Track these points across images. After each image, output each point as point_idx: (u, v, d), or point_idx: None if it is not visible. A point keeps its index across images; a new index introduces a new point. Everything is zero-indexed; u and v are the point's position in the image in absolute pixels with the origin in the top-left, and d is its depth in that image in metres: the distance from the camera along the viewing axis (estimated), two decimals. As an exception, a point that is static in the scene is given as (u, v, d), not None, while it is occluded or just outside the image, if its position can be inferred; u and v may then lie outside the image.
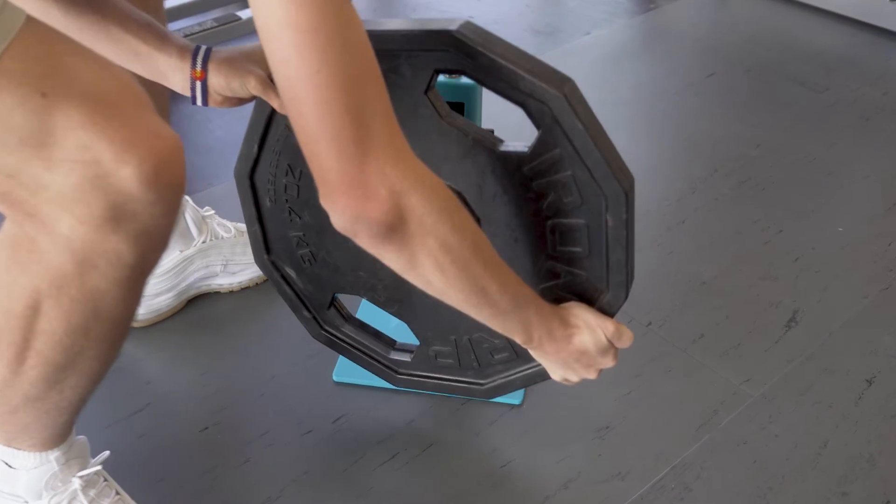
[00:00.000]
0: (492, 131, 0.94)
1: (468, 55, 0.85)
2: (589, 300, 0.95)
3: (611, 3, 2.25)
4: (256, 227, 1.08)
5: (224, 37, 2.05)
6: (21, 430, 0.90)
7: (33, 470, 0.93)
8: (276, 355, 1.28)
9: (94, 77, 0.72)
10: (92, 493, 0.96)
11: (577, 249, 0.93)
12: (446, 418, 1.17)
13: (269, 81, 0.93)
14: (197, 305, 1.36)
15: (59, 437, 0.93)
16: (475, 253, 0.81)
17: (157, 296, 1.30)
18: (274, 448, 1.14)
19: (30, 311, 0.77)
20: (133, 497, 1.03)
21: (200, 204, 1.40)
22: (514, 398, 1.19)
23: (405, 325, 1.11)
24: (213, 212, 1.37)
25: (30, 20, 0.70)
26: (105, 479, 0.99)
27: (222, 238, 1.35)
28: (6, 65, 0.67)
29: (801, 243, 1.46)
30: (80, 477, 0.95)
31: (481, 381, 1.10)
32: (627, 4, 2.25)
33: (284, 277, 1.11)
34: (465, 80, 1.07)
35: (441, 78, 1.09)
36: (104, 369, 0.87)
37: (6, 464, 0.93)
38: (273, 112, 0.98)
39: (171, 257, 1.30)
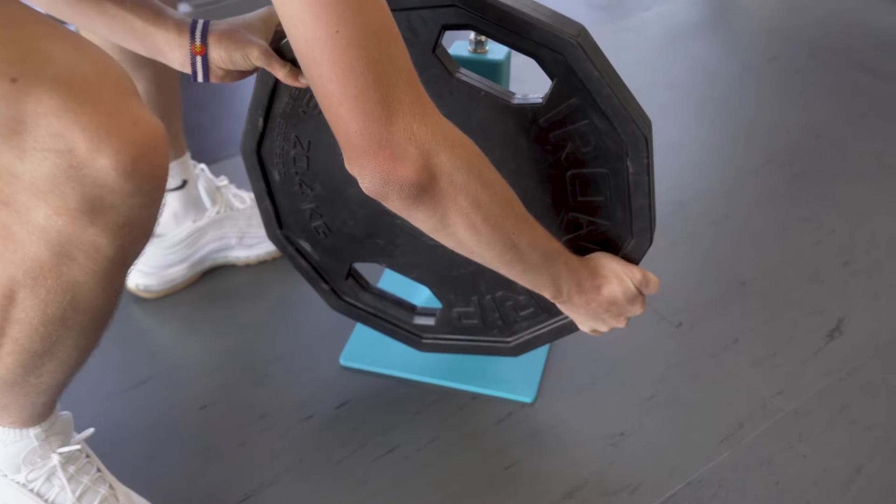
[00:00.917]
0: None
1: (476, 8, 0.81)
2: (613, 249, 0.94)
3: (674, -22, 2.14)
4: (267, 202, 1.04)
5: (242, 9, 1.95)
6: (0, 409, 0.88)
7: (12, 444, 0.90)
8: (284, 334, 1.24)
9: (68, 60, 0.67)
10: (71, 469, 0.94)
11: (599, 199, 0.91)
12: (452, 413, 1.12)
13: (271, 51, 0.89)
14: (211, 278, 1.32)
15: (39, 416, 0.90)
16: (505, 209, 0.80)
17: (170, 267, 1.27)
18: (272, 432, 1.10)
19: (4, 299, 0.74)
20: (122, 474, 1.00)
21: (226, 172, 1.36)
22: (525, 395, 1.13)
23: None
24: (227, 182, 1.33)
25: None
26: (87, 456, 0.96)
27: (237, 209, 1.31)
28: None
29: (854, 246, 1.36)
30: (60, 453, 0.93)
31: (507, 339, 1.07)
32: (692, -20, 2.13)
33: (299, 251, 1.08)
34: (489, 56, 1.03)
35: (465, 54, 1.04)
36: (84, 357, 0.84)
37: None
38: (276, 83, 0.94)
39: (183, 227, 1.26)
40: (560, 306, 0.94)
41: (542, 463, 1.06)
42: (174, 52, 0.91)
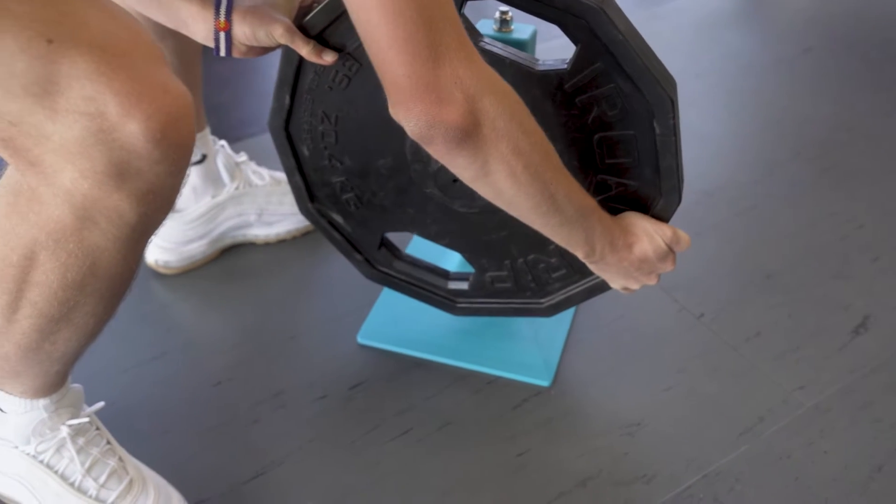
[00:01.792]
0: None
1: None
2: (642, 209, 0.95)
3: (709, -34, 2.10)
4: (297, 177, 1.05)
5: None
6: (12, 376, 0.88)
7: (22, 415, 0.90)
8: (301, 313, 1.23)
9: (103, 25, 0.67)
10: (81, 441, 0.94)
11: (626, 160, 0.93)
12: (467, 397, 1.11)
13: (295, 29, 0.89)
14: (230, 255, 1.32)
15: (51, 386, 0.90)
16: (545, 158, 0.80)
17: (189, 243, 1.26)
18: (285, 410, 1.10)
19: (26, 260, 0.74)
20: (137, 447, 0.99)
21: (247, 150, 1.36)
22: (543, 379, 1.11)
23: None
24: (246, 158, 1.32)
25: None
26: (97, 429, 0.96)
27: (256, 186, 1.30)
28: (12, 7, 0.63)
29: (883, 242, 1.33)
30: (69, 425, 0.93)
31: (540, 300, 1.07)
32: (727, -32, 2.10)
33: (332, 223, 1.09)
34: (515, 35, 1.02)
35: (490, 33, 1.03)
36: (100, 326, 0.83)
37: None
38: (301, 61, 0.94)
39: (202, 203, 1.26)
40: (592, 266, 0.95)
41: (555, 451, 1.04)
42: (198, 25, 0.91)
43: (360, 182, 1.03)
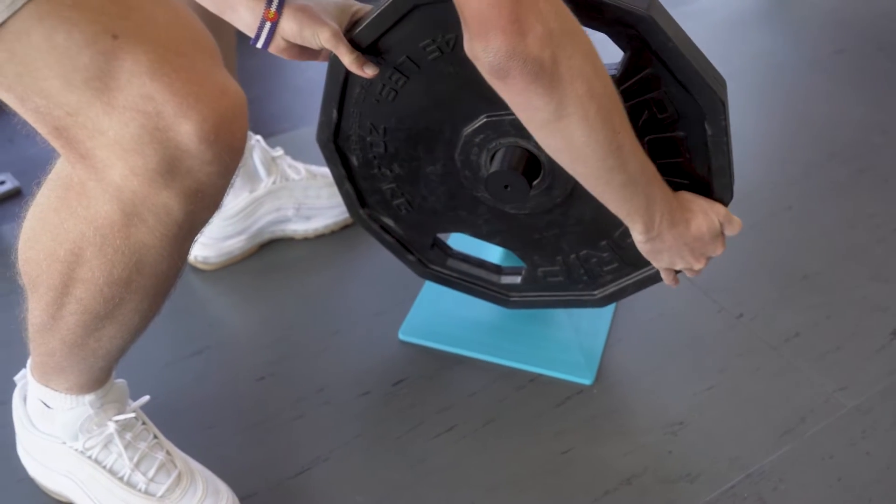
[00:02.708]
0: None
1: None
2: None
3: (737, -34, 2.10)
4: (348, 185, 1.07)
5: None
6: (57, 372, 0.89)
7: (69, 411, 0.91)
8: (342, 309, 1.24)
9: (167, 23, 0.68)
10: (128, 436, 0.94)
11: (678, 160, 0.94)
12: (510, 394, 1.11)
13: (341, 36, 0.90)
14: (269, 250, 1.33)
15: (95, 382, 0.91)
16: (614, 102, 0.80)
17: (227, 238, 1.27)
18: (329, 406, 1.10)
19: (72, 256, 0.75)
20: (181, 441, 1.00)
21: (282, 146, 1.36)
22: (584, 377, 1.12)
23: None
24: (282, 152, 1.33)
25: None
26: (143, 423, 0.97)
27: (293, 180, 1.31)
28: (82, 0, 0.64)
29: (921, 245, 1.34)
30: (116, 421, 0.93)
31: (593, 292, 1.08)
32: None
33: (383, 227, 1.10)
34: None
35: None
36: (144, 323, 0.84)
37: (44, 403, 0.92)
38: (347, 76, 0.96)
39: (240, 198, 1.27)
40: (647, 246, 0.92)
41: (600, 448, 1.05)
42: (244, 13, 0.91)
43: (410, 188, 1.05)
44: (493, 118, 0.95)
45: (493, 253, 1.16)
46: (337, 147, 1.03)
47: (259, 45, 0.91)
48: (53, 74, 0.65)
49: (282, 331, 1.20)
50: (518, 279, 1.11)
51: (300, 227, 1.33)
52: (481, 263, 1.13)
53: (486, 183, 0.97)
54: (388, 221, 1.10)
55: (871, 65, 1.76)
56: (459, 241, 1.16)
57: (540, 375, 1.13)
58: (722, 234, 0.94)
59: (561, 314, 1.19)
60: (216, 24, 0.94)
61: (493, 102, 0.94)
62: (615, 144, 0.80)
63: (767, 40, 1.86)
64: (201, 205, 0.73)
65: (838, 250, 1.33)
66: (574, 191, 0.98)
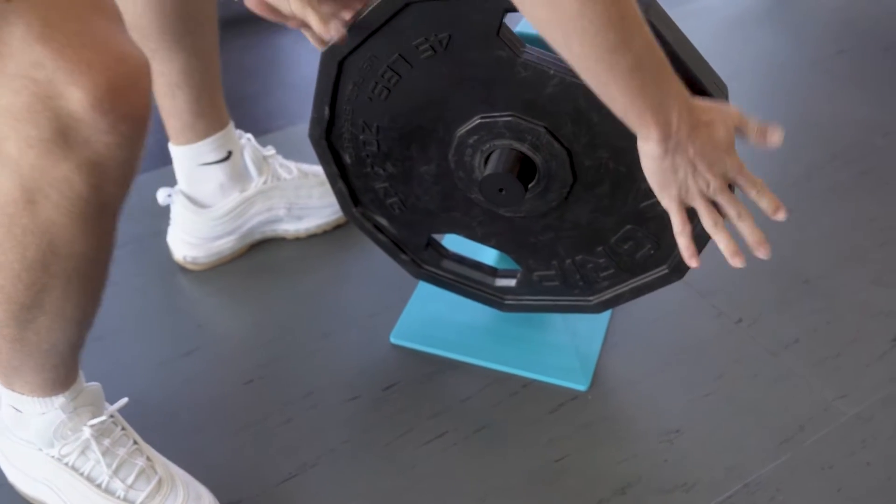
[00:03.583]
0: None
1: None
2: (692, 212, 0.92)
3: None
4: (340, 184, 1.05)
5: None
6: (14, 372, 0.87)
7: (41, 416, 0.89)
8: (334, 311, 1.21)
9: None
10: (106, 442, 0.92)
11: None
12: (503, 400, 1.09)
13: (314, 4, 0.87)
14: (260, 250, 1.30)
15: (57, 382, 0.88)
16: None
17: (217, 239, 1.25)
18: (317, 411, 1.08)
19: None
20: (168, 445, 0.98)
21: (276, 143, 1.34)
22: (579, 383, 1.10)
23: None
24: (273, 151, 1.31)
25: None
26: (123, 429, 0.94)
27: (284, 179, 1.29)
28: None
29: (923, 249, 1.31)
30: (91, 426, 0.91)
31: (589, 298, 1.06)
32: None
33: (377, 227, 1.08)
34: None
35: (532, 31, 1.01)
36: (81, 313, 0.82)
37: (14, 408, 0.90)
38: (340, 72, 0.94)
39: (230, 198, 1.24)
40: (663, 161, 0.79)
41: (594, 456, 1.03)
42: None
43: (403, 187, 1.02)
44: (487, 119, 0.92)
45: (487, 255, 1.14)
46: (329, 144, 1.01)
47: None
48: None
49: (272, 332, 1.18)
50: (513, 282, 1.09)
51: (291, 227, 1.30)
52: (476, 265, 1.11)
53: (481, 185, 0.95)
54: (382, 221, 1.08)
55: (874, 65, 1.74)
56: (454, 243, 1.14)
57: (534, 381, 1.11)
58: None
59: (556, 318, 1.16)
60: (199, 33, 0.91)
61: (488, 103, 0.92)
62: (616, 13, 0.68)
63: (769, 40, 1.83)
64: (105, 178, 0.70)
65: (840, 254, 1.30)
66: (570, 195, 0.96)
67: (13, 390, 0.89)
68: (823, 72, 1.72)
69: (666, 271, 1.00)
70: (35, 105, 0.65)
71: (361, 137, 0.99)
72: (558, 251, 1.03)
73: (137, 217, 1.36)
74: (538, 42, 0.99)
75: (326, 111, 0.98)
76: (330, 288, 1.25)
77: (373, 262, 1.21)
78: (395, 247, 1.10)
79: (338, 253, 1.30)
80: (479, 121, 0.93)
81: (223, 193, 1.25)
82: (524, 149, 0.93)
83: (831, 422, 1.07)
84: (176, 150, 1.23)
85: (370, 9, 0.88)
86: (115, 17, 0.69)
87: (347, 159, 1.02)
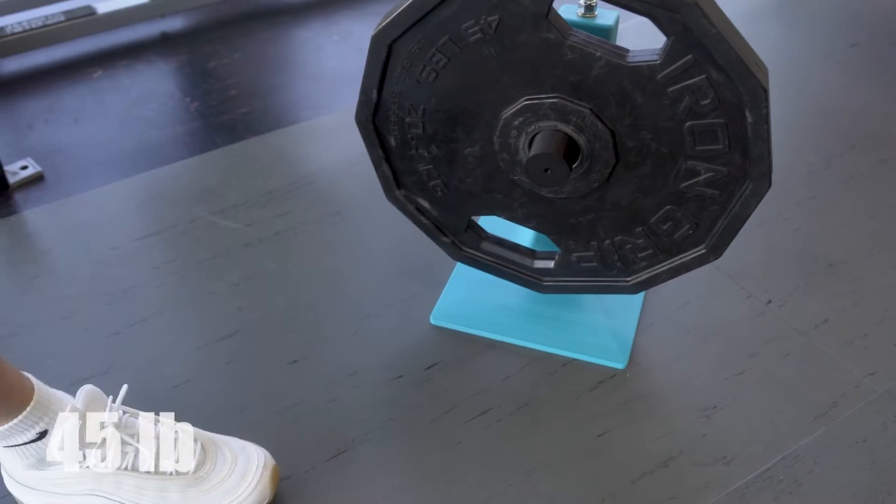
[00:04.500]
0: None
1: None
2: (731, 193, 0.97)
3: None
4: (385, 166, 1.07)
5: (76, 34, 1.74)
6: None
7: (21, 446, 0.89)
8: (371, 294, 1.23)
9: None
10: (128, 431, 0.92)
11: (717, 147, 0.94)
12: (544, 378, 1.11)
13: None
14: (298, 235, 1.32)
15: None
16: None
17: None
18: (362, 390, 1.10)
19: None
20: (214, 424, 0.99)
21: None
22: (618, 362, 1.12)
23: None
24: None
25: None
26: (134, 416, 0.94)
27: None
28: None
29: (943, 233, 1.34)
30: (103, 424, 0.91)
31: (627, 279, 1.08)
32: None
33: (419, 209, 1.10)
34: (598, 21, 1.03)
35: (574, 18, 1.04)
36: None
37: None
38: (389, 56, 0.96)
39: None
40: None
41: (635, 432, 1.05)
42: None
43: (447, 170, 1.05)
44: (533, 101, 0.95)
45: (524, 238, 1.17)
46: (375, 127, 1.03)
47: None
48: None
49: (312, 315, 1.20)
50: (551, 263, 1.11)
51: None
52: (515, 247, 1.13)
53: (527, 166, 0.97)
54: (424, 203, 1.10)
55: (885, 59, 1.77)
56: (492, 226, 1.16)
57: (573, 360, 1.13)
58: None
59: (592, 299, 1.19)
60: None
61: (534, 86, 0.95)
62: None
63: (781, 34, 1.87)
64: None
65: (862, 239, 1.33)
66: (612, 175, 0.99)
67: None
68: (836, 65, 1.75)
69: (703, 251, 1.02)
70: None
71: (408, 120, 1.01)
72: (598, 232, 1.06)
73: (172, 203, 1.39)
74: (580, 27, 1.03)
75: (374, 94, 0.99)
76: (367, 272, 1.27)
77: (409, 247, 1.24)
78: (437, 229, 1.12)
79: (375, 239, 1.32)
80: (525, 103, 0.95)
81: None
82: (569, 130, 0.95)
83: (863, 398, 1.09)
84: None
85: None
86: None
87: (392, 142, 1.04)
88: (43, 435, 0.90)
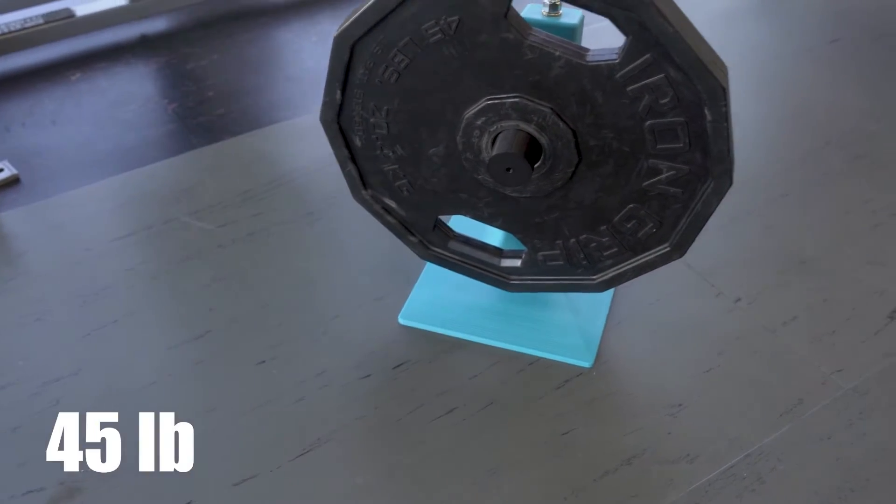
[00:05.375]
0: None
1: None
2: (693, 191, 0.97)
3: (732, -43, 2.11)
4: (351, 167, 1.07)
5: (55, 36, 1.76)
6: None
7: None
8: (342, 294, 1.24)
9: None
10: None
11: (678, 146, 0.94)
12: (511, 377, 1.12)
13: None
14: (269, 234, 1.33)
15: None
16: None
17: None
18: (329, 389, 1.11)
19: None
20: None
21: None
22: (584, 360, 1.13)
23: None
24: None
25: None
26: None
27: None
28: None
29: (916, 230, 1.35)
30: None
31: (592, 277, 1.09)
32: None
33: (386, 208, 1.11)
34: (563, 20, 1.03)
35: (538, 17, 1.04)
36: None
37: None
38: (351, 56, 0.96)
39: None
40: None
41: (600, 430, 1.06)
42: None
43: (412, 169, 1.05)
44: (495, 101, 0.95)
45: (494, 237, 1.17)
46: (340, 128, 1.04)
47: None
48: None
49: (282, 316, 1.21)
50: (518, 262, 1.11)
51: None
52: (482, 246, 1.13)
53: (489, 166, 0.97)
54: (391, 203, 1.10)
55: (866, 54, 1.77)
56: (462, 225, 1.17)
57: (540, 359, 1.14)
58: None
59: (561, 298, 1.19)
60: None
61: (495, 85, 0.95)
62: None
63: (763, 31, 1.87)
64: None
65: (835, 235, 1.34)
66: (575, 174, 0.99)
67: None
68: (816, 61, 1.75)
69: (668, 249, 1.03)
70: None
71: (372, 120, 1.02)
72: (563, 230, 1.06)
73: (148, 205, 1.40)
74: (545, 26, 1.04)
75: (338, 94, 1.00)
76: (338, 272, 1.28)
77: (379, 247, 1.24)
78: (404, 228, 1.12)
79: (346, 239, 1.32)
80: (486, 102, 0.96)
81: None
82: (531, 129, 0.96)
83: (829, 395, 1.10)
84: None
85: None
86: None
87: (358, 142, 1.05)
88: None
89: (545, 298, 1.19)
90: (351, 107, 1.01)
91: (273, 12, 1.90)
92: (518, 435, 1.05)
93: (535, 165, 0.98)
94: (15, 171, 1.45)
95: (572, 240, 1.06)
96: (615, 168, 0.98)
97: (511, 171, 0.96)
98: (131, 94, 1.65)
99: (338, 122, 1.03)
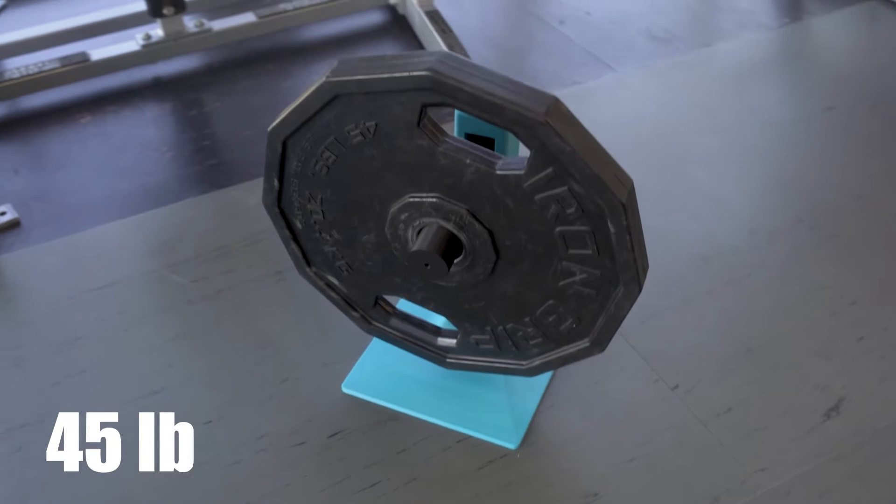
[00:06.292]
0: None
1: (448, 94, 0.89)
2: (606, 293, 1.00)
3: (744, 13, 2.10)
4: (294, 246, 1.14)
5: (70, 79, 1.83)
6: None
7: None
8: (296, 357, 1.29)
9: None
10: None
11: (587, 252, 0.97)
12: (436, 454, 1.16)
13: None
14: (228, 294, 1.39)
15: None
16: None
17: None
18: (265, 453, 1.17)
19: None
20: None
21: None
22: (510, 441, 1.16)
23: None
24: None
25: None
26: None
27: None
28: None
29: (872, 321, 1.34)
30: None
31: (522, 362, 1.12)
32: (763, 17, 2.09)
33: (329, 285, 1.17)
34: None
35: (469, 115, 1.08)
36: None
37: None
38: (285, 148, 1.02)
39: None
40: None
41: (512, 515, 1.09)
42: None
43: (349, 252, 1.10)
44: (416, 199, 1.00)
45: (436, 316, 1.21)
46: (281, 211, 1.09)
47: None
48: None
49: (235, 376, 1.27)
50: (454, 342, 1.16)
51: None
52: (421, 324, 1.18)
53: (408, 261, 1.02)
54: (333, 280, 1.16)
55: (858, 125, 1.75)
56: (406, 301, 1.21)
57: (469, 437, 1.18)
58: None
59: (499, 377, 1.23)
60: None
61: (414, 185, 0.99)
62: None
63: (759, 94, 1.86)
64: None
65: (788, 323, 1.34)
66: (495, 269, 1.03)
67: None
68: (807, 130, 1.74)
69: (587, 345, 1.05)
70: None
71: (308, 207, 1.07)
72: (490, 318, 1.10)
73: (130, 255, 1.47)
74: (472, 124, 1.07)
75: (276, 182, 1.06)
76: (294, 336, 1.33)
77: (334, 311, 1.29)
78: (347, 304, 1.17)
79: (303, 301, 1.37)
80: (408, 200, 1.00)
81: None
82: (450, 227, 1.00)
83: (746, 495, 1.11)
84: None
85: (303, 98, 0.96)
86: None
87: (298, 224, 1.10)
88: None
89: (484, 376, 1.23)
90: (289, 193, 1.07)
91: (278, 59, 1.96)
92: (435, 514, 1.10)
93: (456, 260, 1.02)
94: (16, 215, 1.55)
95: (500, 327, 1.10)
96: (532, 267, 1.01)
97: (429, 266, 1.00)
98: (133, 139, 1.73)
99: (278, 206, 1.09)
